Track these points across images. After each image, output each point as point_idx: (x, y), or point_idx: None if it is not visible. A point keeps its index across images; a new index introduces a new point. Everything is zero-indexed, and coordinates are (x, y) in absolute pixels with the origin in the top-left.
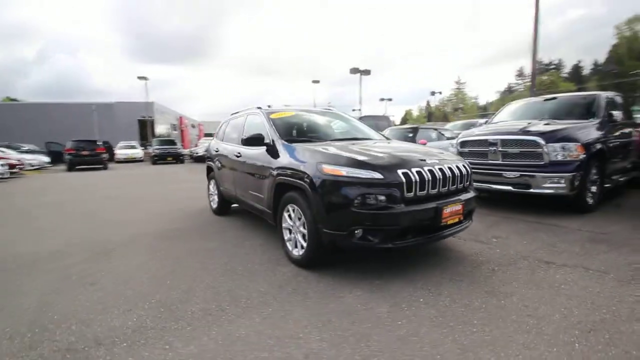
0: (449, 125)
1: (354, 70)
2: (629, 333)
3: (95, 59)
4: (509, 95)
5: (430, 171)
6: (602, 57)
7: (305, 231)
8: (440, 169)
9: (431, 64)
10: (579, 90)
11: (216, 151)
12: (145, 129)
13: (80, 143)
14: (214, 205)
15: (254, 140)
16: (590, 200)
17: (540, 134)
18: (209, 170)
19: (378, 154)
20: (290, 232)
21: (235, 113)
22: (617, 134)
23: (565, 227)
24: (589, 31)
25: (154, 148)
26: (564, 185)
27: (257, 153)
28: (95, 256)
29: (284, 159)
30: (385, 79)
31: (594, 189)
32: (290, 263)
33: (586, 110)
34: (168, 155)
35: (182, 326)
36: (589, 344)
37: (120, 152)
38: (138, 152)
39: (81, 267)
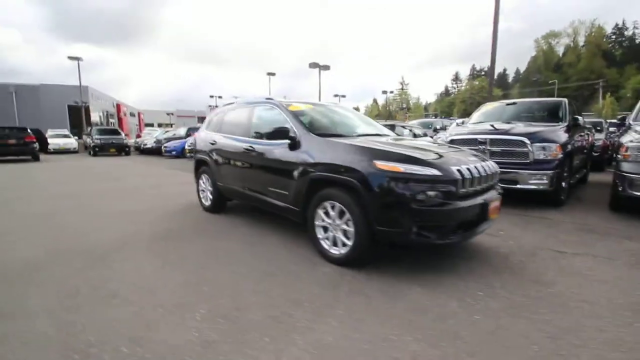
0: (410, 123)
1: (313, 65)
2: None
3: (8, 33)
4: (446, 97)
5: (476, 168)
6: (522, 66)
7: (349, 228)
8: (482, 166)
9: (375, 64)
10: (504, 95)
11: (212, 144)
12: (77, 116)
13: (4, 130)
14: (207, 203)
15: (279, 133)
16: (562, 196)
17: (526, 135)
18: (199, 164)
19: (425, 151)
20: (326, 230)
21: (230, 104)
22: (578, 136)
23: (552, 219)
24: (511, 42)
25: (95, 138)
26: (546, 181)
27: (278, 147)
28: (93, 263)
29: (319, 154)
30: (333, 74)
31: (564, 184)
32: (327, 262)
33: (554, 114)
34: (111, 146)
35: (257, 337)
36: None
37: (51, 142)
38: (72, 142)
39: (83, 278)
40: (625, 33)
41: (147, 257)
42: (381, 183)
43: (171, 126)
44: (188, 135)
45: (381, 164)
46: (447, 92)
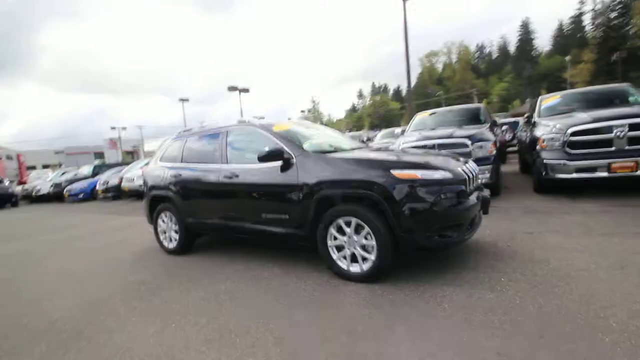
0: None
1: (232, 88)
2: None
3: None
4: (353, 113)
5: (467, 168)
6: (412, 82)
7: (370, 242)
8: (470, 166)
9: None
10: (402, 108)
11: (174, 177)
12: None
13: None
14: (171, 245)
15: (271, 156)
16: (500, 185)
17: (466, 137)
18: (156, 202)
19: (422, 156)
20: (339, 249)
21: (188, 130)
22: (497, 134)
23: (502, 207)
24: (401, 61)
25: None
26: (488, 175)
27: (270, 170)
28: (66, 342)
29: (323, 172)
30: (247, 97)
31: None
32: (346, 282)
33: (476, 117)
34: None
35: None
36: None
37: None
38: None
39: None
40: (485, 50)
41: (138, 322)
42: (402, 191)
43: (60, 166)
44: (95, 173)
45: (399, 173)
46: (354, 108)
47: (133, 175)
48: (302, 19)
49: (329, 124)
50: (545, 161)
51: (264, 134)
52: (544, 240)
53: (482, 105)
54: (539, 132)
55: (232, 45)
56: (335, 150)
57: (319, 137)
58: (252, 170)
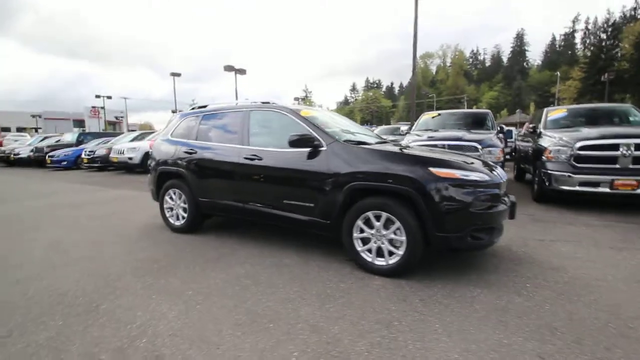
0: None
1: (229, 68)
2: None
3: None
4: (345, 105)
5: (499, 173)
6: (404, 81)
7: (399, 237)
8: (500, 173)
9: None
10: (393, 106)
11: (189, 154)
12: None
13: None
14: (178, 222)
15: (300, 141)
16: None
17: (477, 141)
18: (164, 179)
19: (463, 157)
20: (365, 241)
21: (202, 106)
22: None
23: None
24: (394, 61)
25: None
26: None
27: (297, 157)
28: (84, 317)
29: (356, 163)
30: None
31: None
32: (372, 275)
33: (482, 122)
34: None
35: None
36: None
37: None
38: None
39: (89, 341)
40: (479, 57)
41: (159, 300)
42: (440, 190)
43: (36, 131)
44: (80, 142)
45: (438, 171)
46: (346, 101)
47: (123, 147)
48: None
49: None
50: (550, 172)
51: (293, 119)
52: (557, 248)
53: (489, 111)
54: (545, 143)
55: (227, 25)
56: (365, 142)
57: (344, 127)
58: (276, 153)
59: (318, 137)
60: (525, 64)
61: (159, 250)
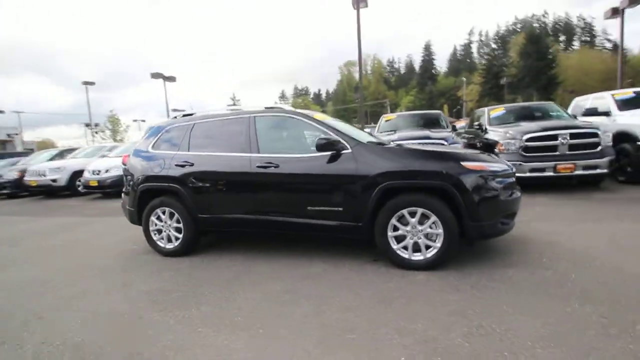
0: None
1: (156, 75)
2: None
3: None
4: None
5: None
6: (330, 87)
7: (437, 231)
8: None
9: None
10: (323, 111)
11: (183, 166)
12: None
13: None
14: (171, 245)
15: (330, 145)
16: None
17: (442, 138)
18: (148, 197)
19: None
20: (398, 240)
21: (188, 115)
22: None
23: None
24: (319, 68)
25: None
26: None
27: (319, 161)
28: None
29: (388, 163)
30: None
31: None
32: (410, 271)
33: (437, 122)
34: None
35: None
36: None
37: None
38: None
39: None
40: (395, 65)
41: (207, 333)
42: (473, 182)
43: None
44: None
45: (469, 165)
46: None
47: (43, 168)
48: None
49: None
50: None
51: (309, 123)
52: (537, 227)
53: (440, 112)
54: (495, 137)
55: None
56: (382, 143)
57: (352, 129)
58: (295, 159)
59: (342, 140)
60: (433, 70)
61: (162, 279)
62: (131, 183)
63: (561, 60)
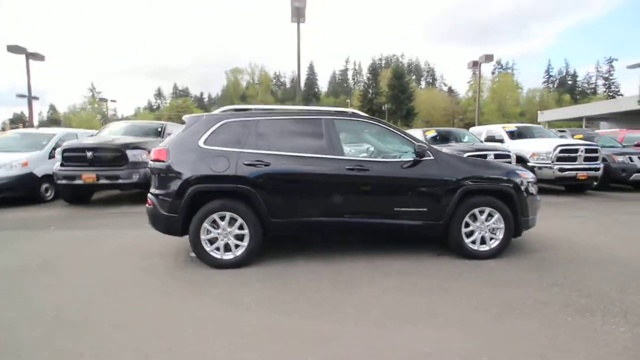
0: None
1: (15, 49)
2: None
3: None
4: (151, 112)
5: None
6: (212, 92)
7: (499, 226)
8: None
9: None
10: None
11: (254, 165)
12: None
13: None
14: (229, 255)
15: (422, 152)
16: None
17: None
18: (205, 199)
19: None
20: (467, 235)
21: (243, 109)
22: None
23: None
24: (204, 69)
25: None
26: None
27: (407, 166)
28: None
29: (467, 169)
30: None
31: None
32: (476, 261)
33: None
34: None
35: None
36: None
37: None
38: None
39: None
40: (281, 79)
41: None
42: (525, 186)
43: None
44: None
45: (522, 173)
46: (151, 107)
47: None
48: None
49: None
50: None
51: (388, 129)
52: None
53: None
54: None
55: None
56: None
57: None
58: (383, 163)
59: (428, 148)
60: (316, 89)
61: (250, 294)
62: (176, 184)
63: (417, 96)
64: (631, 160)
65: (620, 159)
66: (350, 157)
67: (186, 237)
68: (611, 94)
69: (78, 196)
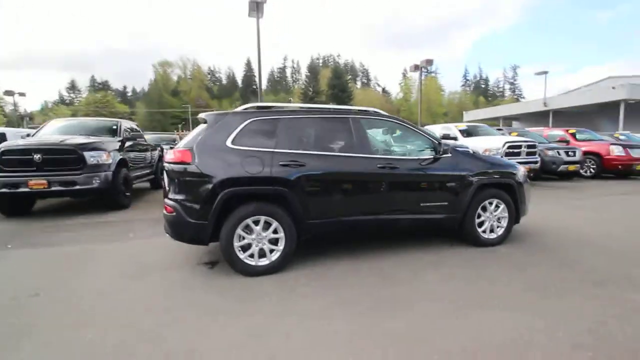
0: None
1: None
2: None
3: None
4: (63, 106)
5: None
6: (137, 85)
7: (505, 215)
8: None
9: None
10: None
11: (289, 165)
12: None
13: None
14: (264, 261)
15: (447, 150)
16: None
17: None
18: (237, 204)
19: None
20: (479, 225)
21: (264, 107)
22: None
23: None
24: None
25: None
26: None
27: (430, 162)
28: None
29: (479, 164)
30: None
31: None
32: (491, 248)
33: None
34: None
35: None
36: None
37: None
38: None
39: None
40: (216, 75)
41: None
42: (525, 179)
43: None
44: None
45: (521, 167)
46: (63, 101)
47: None
48: None
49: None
50: None
51: (410, 128)
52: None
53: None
54: None
55: None
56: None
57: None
58: (410, 160)
59: (443, 145)
60: (254, 86)
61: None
62: (205, 188)
63: (355, 95)
64: (559, 154)
65: (550, 153)
66: (380, 155)
67: (180, 244)
68: (516, 96)
69: (17, 207)
